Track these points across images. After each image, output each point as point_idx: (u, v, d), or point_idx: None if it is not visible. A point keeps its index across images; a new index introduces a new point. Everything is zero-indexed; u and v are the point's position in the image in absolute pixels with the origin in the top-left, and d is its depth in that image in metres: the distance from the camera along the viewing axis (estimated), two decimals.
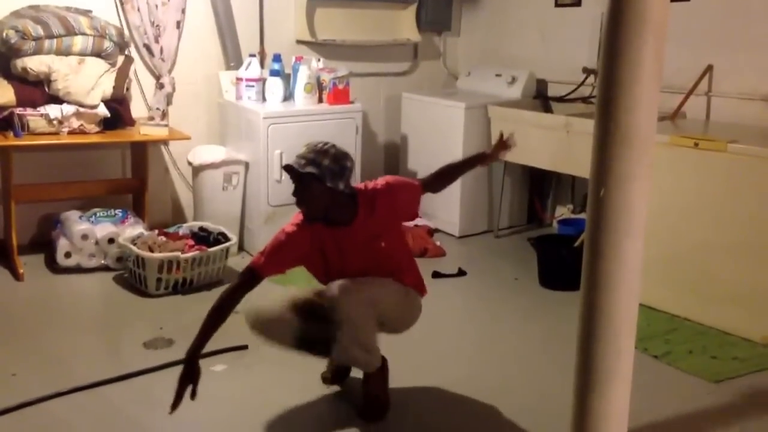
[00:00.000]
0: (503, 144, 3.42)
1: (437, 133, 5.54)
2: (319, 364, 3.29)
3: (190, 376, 2.84)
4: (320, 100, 5.12)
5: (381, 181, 3.09)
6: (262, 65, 5.21)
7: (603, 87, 1.14)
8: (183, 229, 4.68)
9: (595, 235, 1.18)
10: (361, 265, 3.00)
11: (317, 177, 2.82)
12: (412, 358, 3.62)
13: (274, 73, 5.07)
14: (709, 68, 4.58)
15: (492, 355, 3.76)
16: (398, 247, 3.14)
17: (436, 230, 5.54)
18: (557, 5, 5.63)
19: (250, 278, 2.95)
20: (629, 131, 1.13)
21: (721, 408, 3.30)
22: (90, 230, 4.54)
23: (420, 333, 3.92)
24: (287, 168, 2.90)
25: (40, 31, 4.34)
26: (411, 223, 5.44)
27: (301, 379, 3.35)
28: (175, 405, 2.79)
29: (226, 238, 4.61)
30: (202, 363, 3.46)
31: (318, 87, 5.11)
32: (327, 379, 3.33)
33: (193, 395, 2.81)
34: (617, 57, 1.12)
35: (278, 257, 2.97)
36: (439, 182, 3.29)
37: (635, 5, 1.10)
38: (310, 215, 2.92)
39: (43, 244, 4.82)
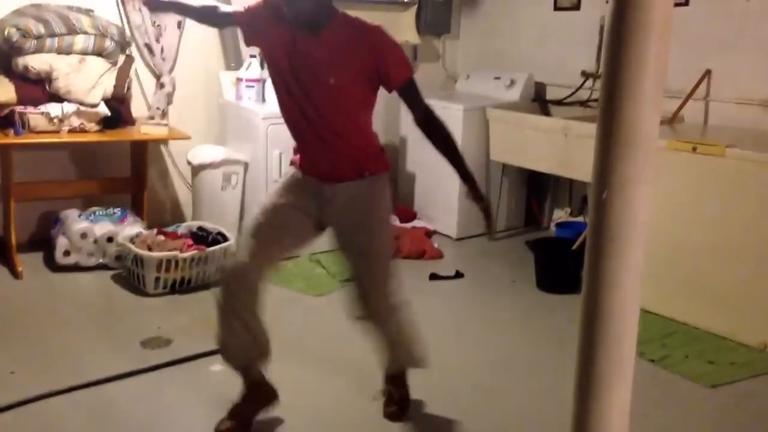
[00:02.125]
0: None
1: None
2: (317, 363, 3.30)
3: None
4: None
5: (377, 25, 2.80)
6: (262, 66, 5.21)
7: (606, 89, 1.15)
8: (182, 229, 4.69)
9: (598, 238, 1.19)
10: (317, 98, 2.73)
11: None
12: None
13: None
14: (708, 73, 4.59)
15: (488, 357, 3.76)
16: (354, 101, 2.78)
17: (434, 232, 5.55)
18: (556, 9, 5.64)
19: (224, 16, 2.98)
20: (633, 134, 1.13)
21: (718, 413, 3.31)
22: (89, 229, 4.54)
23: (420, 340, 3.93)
24: None
25: (42, 30, 4.34)
26: (409, 225, 5.46)
27: (298, 379, 3.35)
28: None
29: (225, 238, 4.61)
30: (199, 363, 3.50)
31: None
32: None
33: None
34: (621, 58, 1.12)
35: (250, 9, 2.85)
36: (429, 132, 2.84)
37: (639, 7, 1.11)
38: (297, 11, 2.66)
39: (42, 242, 4.82)
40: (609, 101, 1.13)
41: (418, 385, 3.28)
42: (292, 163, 3.01)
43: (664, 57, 1.15)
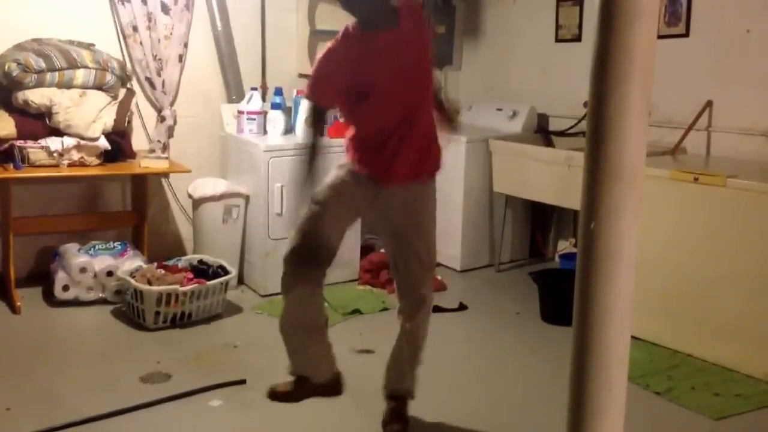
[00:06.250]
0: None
1: None
2: (318, 402, 3.25)
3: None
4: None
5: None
6: (263, 98, 5.23)
7: (592, 121, 1.14)
8: (182, 262, 4.67)
9: (587, 268, 1.18)
10: (412, 85, 2.93)
11: None
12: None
13: (275, 106, 5.09)
14: (709, 104, 4.57)
15: (493, 390, 3.72)
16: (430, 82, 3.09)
17: (438, 264, 5.51)
18: (558, 40, 5.65)
19: (316, 111, 3.02)
20: (618, 165, 1.13)
21: None
22: (88, 263, 4.52)
23: (421, 368, 3.89)
24: None
25: (42, 64, 4.36)
26: None
27: (299, 415, 3.31)
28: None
29: (226, 272, 4.59)
30: (199, 398, 3.46)
31: None
32: None
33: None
34: (605, 91, 1.12)
35: (325, 79, 2.93)
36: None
37: (622, 40, 1.10)
38: (370, 15, 2.82)
39: (41, 276, 4.80)
40: (595, 134, 1.14)
41: (421, 417, 3.25)
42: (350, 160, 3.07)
43: (648, 90, 1.15)
